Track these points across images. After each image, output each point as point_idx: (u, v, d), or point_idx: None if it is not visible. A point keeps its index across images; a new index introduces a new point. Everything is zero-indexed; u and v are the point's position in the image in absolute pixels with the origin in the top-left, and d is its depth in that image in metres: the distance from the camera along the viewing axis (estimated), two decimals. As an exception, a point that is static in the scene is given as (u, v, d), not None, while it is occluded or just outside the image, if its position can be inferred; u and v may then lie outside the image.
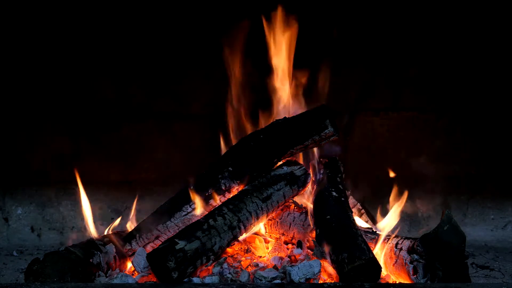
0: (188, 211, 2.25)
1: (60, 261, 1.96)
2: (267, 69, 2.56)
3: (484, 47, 3.04)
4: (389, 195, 2.43)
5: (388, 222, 2.35)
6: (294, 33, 2.50)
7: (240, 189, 2.26)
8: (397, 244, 2.07)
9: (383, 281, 2.04)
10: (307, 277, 1.93)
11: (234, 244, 2.17)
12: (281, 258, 2.15)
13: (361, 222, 2.41)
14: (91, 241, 2.20)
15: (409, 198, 3.13)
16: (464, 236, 1.92)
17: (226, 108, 2.63)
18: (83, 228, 3.10)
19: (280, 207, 2.28)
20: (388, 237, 2.15)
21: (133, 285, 1.92)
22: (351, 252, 1.88)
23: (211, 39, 2.96)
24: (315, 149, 2.44)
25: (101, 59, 3.03)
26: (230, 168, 2.28)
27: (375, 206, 2.58)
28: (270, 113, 2.52)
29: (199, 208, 2.24)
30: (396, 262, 2.04)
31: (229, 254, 2.16)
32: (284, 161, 2.34)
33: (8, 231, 3.11)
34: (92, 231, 2.27)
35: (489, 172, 3.15)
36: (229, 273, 2.01)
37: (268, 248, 2.27)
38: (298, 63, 2.55)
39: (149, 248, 2.20)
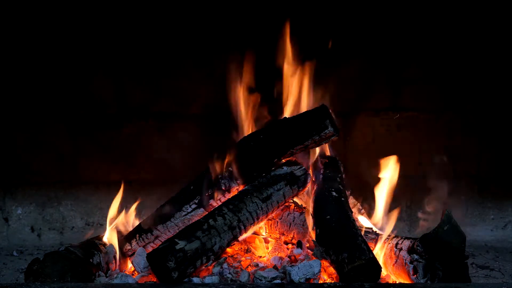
0: (188, 211, 2.25)
1: (60, 261, 1.96)
2: (270, 70, 2.56)
3: (484, 46, 3.03)
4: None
5: (384, 221, 2.34)
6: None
7: (240, 189, 2.26)
8: (397, 244, 2.07)
9: (383, 281, 2.04)
10: (307, 277, 1.93)
11: (234, 244, 2.17)
12: (281, 258, 2.15)
13: (361, 221, 2.40)
14: (91, 241, 2.21)
15: (408, 198, 3.15)
16: (464, 236, 1.92)
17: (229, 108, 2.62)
18: (83, 228, 3.13)
19: (280, 207, 2.28)
20: (388, 237, 2.15)
21: (133, 285, 1.92)
22: (351, 252, 1.88)
23: (211, 38, 2.96)
24: (315, 149, 2.44)
25: (100, 58, 3.03)
26: (230, 168, 2.28)
27: (374, 206, 2.58)
28: (271, 112, 2.52)
29: (199, 208, 2.23)
30: (396, 262, 2.04)
31: (229, 254, 2.16)
32: (284, 161, 2.34)
33: (8, 231, 3.11)
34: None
35: (489, 172, 3.15)
36: (229, 273, 2.01)
37: (268, 248, 2.27)
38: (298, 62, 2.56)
39: (149, 248, 2.20)
